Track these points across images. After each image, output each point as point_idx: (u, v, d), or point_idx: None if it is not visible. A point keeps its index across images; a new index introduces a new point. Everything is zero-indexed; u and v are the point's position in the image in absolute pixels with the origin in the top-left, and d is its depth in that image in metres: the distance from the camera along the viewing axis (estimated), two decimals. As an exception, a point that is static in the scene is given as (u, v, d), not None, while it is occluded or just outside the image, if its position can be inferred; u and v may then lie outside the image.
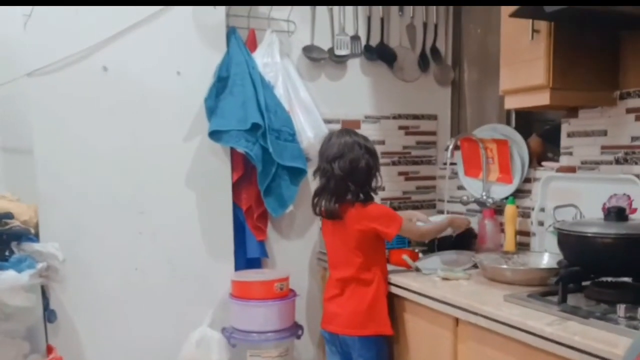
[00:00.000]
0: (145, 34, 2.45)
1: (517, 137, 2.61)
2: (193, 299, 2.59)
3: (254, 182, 2.64)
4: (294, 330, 2.63)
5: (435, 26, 3.13)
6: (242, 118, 2.52)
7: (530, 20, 2.01)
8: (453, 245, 2.59)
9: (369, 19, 2.97)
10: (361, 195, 2.24)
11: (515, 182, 2.58)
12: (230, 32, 2.63)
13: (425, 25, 3.11)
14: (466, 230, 2.68)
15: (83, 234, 2.39)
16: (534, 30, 2.02)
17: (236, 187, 2.67)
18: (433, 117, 3.18)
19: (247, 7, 2.70)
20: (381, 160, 2.84)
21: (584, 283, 1.86)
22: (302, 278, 2.87)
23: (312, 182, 2.47)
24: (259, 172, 2.58)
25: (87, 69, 2.37)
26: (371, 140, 2.36)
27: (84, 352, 2.42)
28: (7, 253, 2.19)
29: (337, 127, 2.84)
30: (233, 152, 2.63)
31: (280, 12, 2.78)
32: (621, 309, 1.60)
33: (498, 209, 2.64)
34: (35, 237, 2.28)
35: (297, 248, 2.87)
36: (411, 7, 3.07)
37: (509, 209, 2.51)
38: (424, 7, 3.08)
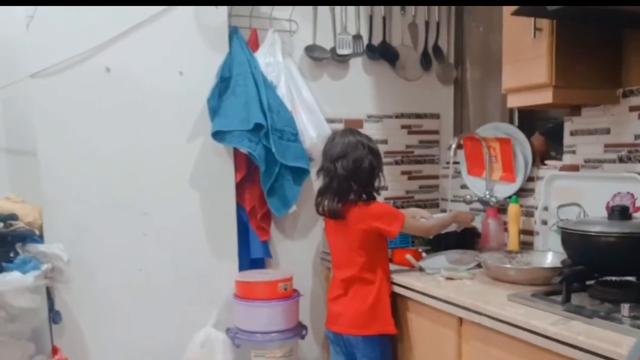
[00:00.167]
0: (147, 35, 2.45)
1: (520, 135, 2.61)
2: (197, 299, 2.59)
3: (257, 183, 2.64)
4: (298, 330, 2.63)
5: (438, 25, 3.12)
6: (245, 118, 2.52)
7: (533, 19, 2.01)
8: (456, 244, 2.59)
9: (370, 18, 2.97)
10: (364, 195, 2.24)
11: (519, 181, 2.58)
12: (233, 32, 2.63)
13: (427, 23, 3.10)
14: (470, 229, 2.68)
15: (87, 235, 2.40)
16: (536, 29, 2.02)
17: (239, 187, 2.68)
18: (436, 116, 3.18)
19: (249, 7, 2.70)
20: (384, 160, 2.83)
21: (587, 282, 1.85)
22: (306, 278, 2.87)
23: (316, 182, 2.47)
24: (262, 172, 2.58)
25: (90, 70, 2.38)
26: (374, 140, 2.36)
27: (89, 353, 2.42)
28: (12, 254, 2.20)
29: (340, 126, 2.84)
30: (236, 152, 2.63)
31: (282, 11, 2.78)
32: (625, 308, 1.60)
33: (501, 208, 2.63)
34: (40, 239, 2.29)
35: (300, 248, 2.87)
36: (413, 5, 3.06)
37: (513, 208, 2.51)
38: (426, 5, 3.08)
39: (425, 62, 3.11)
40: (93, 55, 2.38)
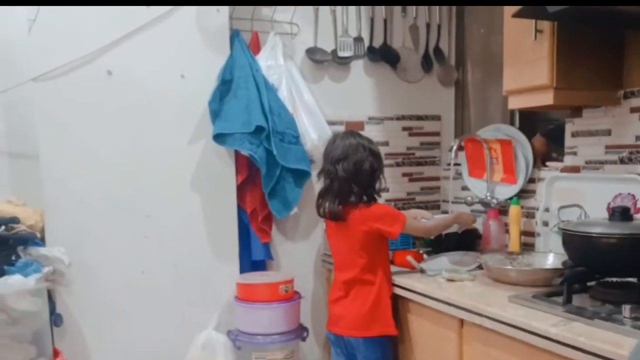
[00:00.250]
0: (149, 38, 2.46)
1: (521, 137, 2.61)
2: (198, 301, 2.60)
3: (258, 185, 2.64)
4: (299, 332, 2.63)
5: (439, 27, 3.13)
6: (246, 121, 2.52)
7: (533, 20, 2.01)
8: (457, 246, 2.59)
9: (371, 20, 2.98)
10: (365, 197, 2.24)
11: (520, 183, 2.57)
12: (234, 35, 2.64)
13: (428, 25, 3.11)
14: (471, 231, 2.68)
15: (89, 238, 2.40)
16: (537, 30, 2.02)
17: (240, 189, 2.68)
18: (437, 118, 3.18)
19: (250, 11, 2.71)
20: (385, 162, 2.84)
21: (589, 283, 1.85)
22: (307, 280, 2.87)
23: (317, 184, 2.48)
24: (263, 175, 2.59)
25: (91, 73, 2.38)
26: (375, 142, 2.36)
27: (91, 356, 2.43)
28: (13, 257, 2.20)
29: (341, 128, 2.84)
30: (237, 154, 2.63)
31: (283, 14, 2.79)
32: (626, 309, 1.60)
33: (502, 210, 2.63)
34: (41, 242, 2.30)
35: (301, 250, 2.87)
36: (414, 8, 3.07)
37: (514, 210, 2.50)
38: (426, 7, 3.09)
39: (426, 64, 3.12)
40: (94, 58, 2.39)
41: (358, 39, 2.94)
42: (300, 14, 2.82)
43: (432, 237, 2.63)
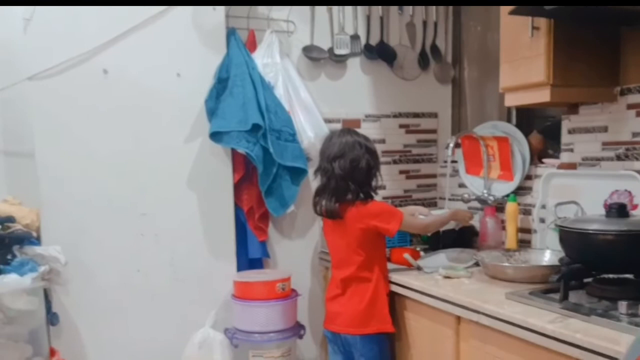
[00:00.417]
0: (144, 37, 2.45)
1: (518, 134, 2.61)
2: (195, 300, 2.59)
3: (255, 183, 2.64)
4: (296, 330, 2.63)
5: (435, 24, 3.13)
6: (243, 119, 2.52)
7: (530, 18, 2.01)
8: (454, 243, 2.59)
9: (368, 17, 2.97)
10: (361, 195, 2.24)
11: (516, 180, 2.58)
12: (230, 33, 2.63)
13: (425, 23, 3.11)
14: (468, 228, 2.69)
15: (85, 237, 2.40)
16: (533, 28, 2.02)
17: (237, 187, 2.67)
18: (433, 115, 3.18)
19: (247, 9, 2.70)
20: (382, 159, 2.84)
21: (585, 280, 1.85)
22: (304, 278, 2.87)
23: (313, 182, 2.47)
24: (260, 173, 2.58)
25: (87, 72, 2.37)
26: (372, 140, 2.36)
27: (87, 355, 2.42)
28: (9, 257, 2.20)
29: (338, 126, 2.84)
30: (234, 153, 2.63)
31: (279, 12, 2.78)
32: (623, 305, 1.60)
33: (499, 207, 2.63)
34: (37, 241, 2.29)
35: (298, 248, 2.87)
36: (411, 5, 3.06)
37: (510, 207, 2.51)
38: (423, 5, 3.08)
39: (423, 61, 3.11)
40: (90, 57, 2.38)
41: (355, 37, 2.93)
42: (296, 12, 2.81)
43: (429, 234, 2.63)
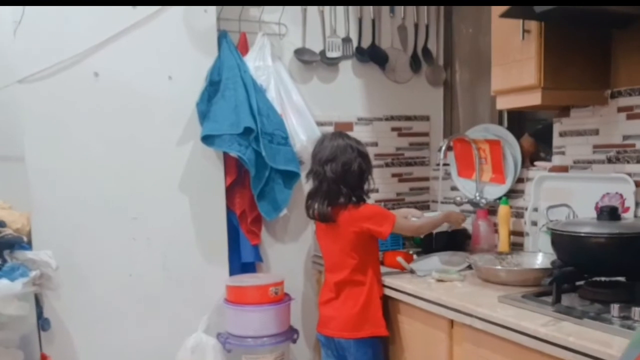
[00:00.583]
0: (135, 39, 2.44)
1: (510, 137, 2.62)
2: (187, 304, 2.58)
3: (247, 186, 2.63)
4: (290, 334, 2.62)
5: (427, 27, 3.13)
6: (235, 122, 2.51)
7: (521, 21, 2.02)
8: (447, 246, 2.59)
9: (360, 20, 2.97)
10: (354, 198, 2.23)
11: (508, 183, 2.58)
12: (222, 36, 2.63)
13: (416, 26, 3.11)
14: (460, 231, 2.69)
15: (76, 241, 2.38)
16: (524, 31, 2.02)
17: (229, 191, 2.67)
18: (425, 118, 3.19)
19: (238, 11, 2.70)
20: (374, 162, 2.84)
21: (577, 283, 1.86)
22: (297, 281, 2.87)
23: (306, 185, 2.47)
24: (253, 176, 2.57)
25: (78, 75, 2.36)
26: (364, 143, 2.36)
27: (79, 360, 2.41)
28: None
29: (330, 129, 2.84)
30: (226, 156, 2.62)
31: (271, 15, 2.78)
32: (615, 308, 1.60)
33: (491, 210, 2.64)
34: (28, 245, 2.27)
35: (291, 252, 2.87)
36: (402, 8, 3.07)
37: (503, 210, 2.51)
38: (415, 8, 3.09)
39: (415, 64, 3.12)
40: (81, 60, 2.36)
41: (346, 40, 2.93)
42: (288, 15, 2.81)
43: (421, 236, 2.63)
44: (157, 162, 2.52)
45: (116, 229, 2.46)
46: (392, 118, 3.10)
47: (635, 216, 2.05)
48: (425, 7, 3.11)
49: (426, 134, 3.20)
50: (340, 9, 2.92)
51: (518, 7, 1.86)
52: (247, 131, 2.52)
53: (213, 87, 2.57)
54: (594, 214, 1.96)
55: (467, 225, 2.69)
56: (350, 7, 2.94)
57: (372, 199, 2.64)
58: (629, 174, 2.08)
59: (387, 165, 3.10)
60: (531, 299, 1.82)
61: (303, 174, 2.59)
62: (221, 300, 2.60)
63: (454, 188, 2.93)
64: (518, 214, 2.57)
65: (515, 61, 2.09)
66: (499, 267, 2.21)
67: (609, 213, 1.81)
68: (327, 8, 2.89)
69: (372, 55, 3.01)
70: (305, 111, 2.77)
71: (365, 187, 2.29)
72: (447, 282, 2.18)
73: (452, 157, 2.87)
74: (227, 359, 2.56)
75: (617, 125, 2.15)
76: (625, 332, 1.49)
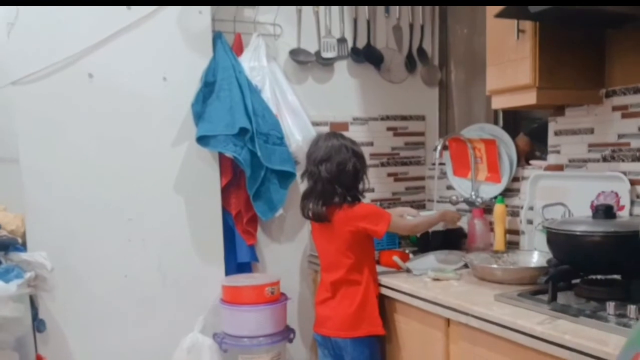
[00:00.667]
0: (130, 40, 2.44)
1: (505, 136, 2.62)
2: (184, 305, 2.58)
3: (242, 187, 2.63)
4: (286, 334, 2.62)
5: (422, 27, 3.14)
6: (230, 123, 2.51)
7: (516, 20, 2.02)
8: (443, 245, 2.60)
9: (355, 20, 2.97)
10: (348, 198, 2.24)
11: (504, 181, 2.59)
12: (216, 37, 2.62)
13: (411, 26, 3.11)
14: (456, 230, 2.69)
15: (71, 242, 2.37)
16: (519, 30, 2.03)
17: (225, 191, 2.66)
18: (421, 118, 3.19)
19: (233, 12, 2.69)
20: (370, 162, 2.85)
21: (573, 281, 1.86)
22: (293, 281, 2.87)
23: (302, 185, 2.47)
24: (248, 177, 2.57)
25: (72, 76, 2.35)
26: (360, 142, 2.36)
27: (74, 361, 2.40)
28: (-6, 263, 2.17)
29: (326, 129, 2.84)
30: (221, 156, 2.62)
31: (265, 15, 2.78)
32: (611, 306, 1.61)
33: (487, 208, 2.65)
34: (23, 247, 2.27)
35: (287, 251, 2.87)
36: (397, 8, 3.07)
37: (498, 208, 2.52)
38: (410, 8, 3.10)
39: (410, 64, 3.12)
40: (75, 61, 2.36)
41: (341, 40, 2.93)
42: (283, 15, 2.81)
43: (418, 235, 2.63)
44: (152, 163, 2.51)
45: (111, 230, 2.45)
46: (387, 118, 3.10)
47: (631, 214, 2.05)
48: (420, 7, 3.12)
49: (422, 134, 3.20)
50: (335, 9, 2.93)
51: (513, 7, 1.87)
52: (243, 131, 2.51)
53: (208, 88, 2.56)
54: (589, 213, 1.97)
55: (463, 224, 2.70)
56: (345, 8, 2.94)
57: (368, 198, 2.64)
58: (624, 173, 2.08)
59: (382, 164, 3.10)
60: (527, 298, 1.82)
61: (299, 174, 2.60)
62: (217, 301, 2.60)
63: (449, 187, 2.94)
64: (514, 213, 2.58)
65: (510, 61, 2.10)
66: (495, 266, 2.21)
67: (605, 211, 1.81)
68: (321, 8, 2.89)
69: (368, 56, 3.01)
70: (300, 111, 2.77)
71: (360, 186, 2.30)
72: (443, 281, 2.18)
73: (448, 156, 2.88)
74: (224, 359, 2.56)
75: (611, 124, 2.15)
76: (621, 330, 1.49)
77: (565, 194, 2.28)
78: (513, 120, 2.86)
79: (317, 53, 2.89)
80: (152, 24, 2.47)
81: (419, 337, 2.15)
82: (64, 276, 2.34)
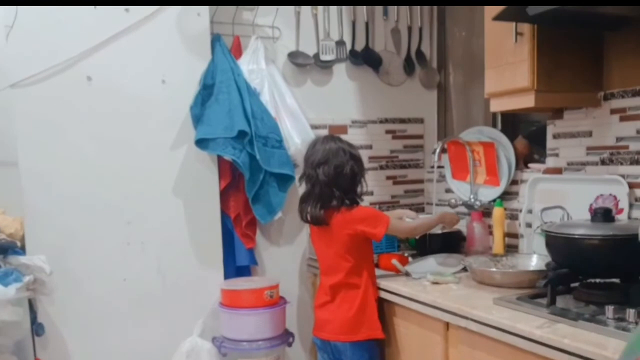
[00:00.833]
0: (129, 43, 2.43)
1: (504, 139, 2.62)
2: (183, 308, 2.57)
3: (241, 190, 2.63)
4: (285, 337, 2.62)
5: (420, 30, 3.14)
6: (229, 125, 2.51)
7: (514, 23, 2.02)
8: (442, 248, 2.60)
9: (353, 23, 2.98)
10: (346, 201, 2.23)
11: (503, 185, 2.59)
12: (215, 40, 2.62)
13: (410, 29, 3.12)
14: (455, 233, 2.69)
15: (70, 246, 2.37)
16: (517, 33, 2.03)
17: (224, 194, 2.66)
18: (420, 121, 3.19)
19: (231, 15, 2.69)
20: (369, 165, 2.86)
21: (572, 285, 1.86)
22: (293, 285, 2.86)
23: (300, 189, 2.47)
24: (247, 180, 2.57)
25: (71, 79, 2.35)
26: (358, 145, 2.36)
27: (73, 365, 2.40)
28: (-7, 267, 2.17)
29: (324, 132, 2.84)
30: (220, 159, 2.61)
31: (264, 18, 2.78)
32: (610, 310, 1.61)
33: (486, 212, 2.64)
34: (22, 250, 2.26)
35: (286, 255, 2.86)
36: (396, 11, 3.07)
37: (497, 212, 2.51)
38: (408, 11, 3.10)
39: (409, 67, 3.12)
40: (74, 64, 2.35)
41: (340, 43, 2.94)
42: (281, 18, 2.81)
43: (417, 237, 2.63)
44: (151, 166, 2.51)
45: (110, 233, 2.45)
46: (386, 121, 3.10)
47: (629, 218, 2.05)
48: (419, 10, 3.12)
49: (420, 137, 3.20)
50: (333, 12, 2.93)
51: (511, 9, 1.87)
52: (241, 134, 2.51)
53: (207, 91, 2.56)
54: (588, 216, 1.97)
55: (462, 227, 2.70)
56: (344, 10, 2.95)
57: (366, 201, 2.64)
58: (623, 176, 2.08)
59: (381, 167, 3.10)
60: (526, 301, 1.82)
61: (297, 177, 2.60)
62: (216, 304, 2.59)
63: (448, 190, 2.94)
64: (512, 216, 2.58)
65: (508, 64, 2.10)
66: (494, 269, 2.21)
67: (603, 215, 1.81)
68: (320, 11, 2.90)
69: (366, 58, 3.01)
70: (299, 114, 2.77)
71: (358, 189, 2.30)
72: (442, 285, 2.18)
73: (447, 159, 2.88)
74: (223, 363, 2.56)
75: (610, 127, 2.16)
76: (621, 334, 1.49)
77: (564, 197, 2.28)
78: (512, 123, 2.86)
79: (316, 56, 2.89)
80: (151, 26, 2.47)
81: (418, 341, 2.14)
82: (63, 280, 2.33)
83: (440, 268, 2.40)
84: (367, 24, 3.00)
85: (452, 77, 3.22)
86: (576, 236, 1.79)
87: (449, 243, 2.66)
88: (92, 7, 2.35)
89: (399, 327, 2.25)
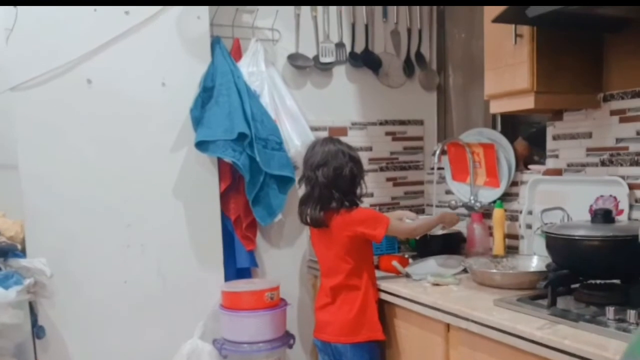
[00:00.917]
0: (128, 46, 2.44)
1: (503, 140, 2.63)
2: (183, 310, 2.57)
3: (241, 192, 2.63)
4: (286, 339, 2.62)
5: (420, 32, 3.14)
6: (229, 128, 2.51)
7: (513, 25, 2.02)
8: (442, 249, 2.60)
9: (353, 25, 2.98)
10: (346, 203, 2.23)
11: (503, 186, 2.59)
12: (215, 42, 2.63)
13: (409, 31, 3.12)
14: (455, 234, 2.69)
15: (70, 248, 2.37)
16: (517, 35, 2.03)
17: (224, 197, 2.66)
18: (419, 123, 3.19)
19: (231, 17, 2.70)
20: (369, 167, 2.86)
21: (573, 286, 1.86)
22: (293, 287, 2.86)
23: (300, 191, 2.47)
24: (247, 182, 2.57)
25: (71, 82, 2.35)
26: (358, 147, 2.37)
27: (74, 368, 2.39)
28: (-7, 270, 2.17)
29: (324, 134, 2.85)
30: (220, 162, 2.62)
31: (264, 20, 2.78)
32: (610, 311, 1.61)
33: (486, 213, 2.65)
34: (22, 253, 2.26)
35: (287, 257, 2.86)
36: (395, 13, 3.08)
37: (497, 213, 2.52)
38: (408, 13, 3.10)
39: (408, 69, 3.13)
40: (74, 67, 2.36)
41: (340, 45, 2.94)
42: (281, 20, 2.81)
43: (417, 237, 2.63)
44: (151, 168, 2.51)
45: (110, 235, 2.45)
46: (386, 122, 3.11)
47: (629, 219, 2.06)
48: (418, 12, 3.13)
49: (420, 138, 3.21)
50: (333, 14, 2.93)
51: (510, 12, 1.87)
52: (241, 137, 2.52)
53: (207, 93, 2.56)
54: (588, 217, 1.97)
55: (462, 228, 2.70)
56: (343, 13, 2.95)
57: (366, 203, 2.64)
58: (623, 177, 2.09)
59: (381, 169, 3.10)
60: (527, 302, 1.82)
61: (297, 179, 2.60)
62: (217, 306, 2.59)
63: (448, 192, 2.94)
64: (513, 217, 2.58)
65: (507, 65, 2.10)
66: (494, 271, 2.21)
67: (603, 216, 1.81)
68: (320, 13, 2.90)
69: (366, 60, 3.01)
70: (299, 116, 2.77)
71: (358, 191, 2.30)
72: (443, 286, 2.18)
73: (447, 161, 2.88)
74: (223, 365, 2.56)
75: (610, 128, 2.16)
76: (621, 335, 1.49)
77: (564, 198, 2.29)
78: (511, 125, 2.86)
79: (316, 58, 2.89)
80: (151, 29, 2.47)
81: (419, 342, 2.14)
82: (63, 282, 2.33)
83: (440, 269, 2.40)
84: (366, 26, 3.01)
85: (452, 79, 3.23)
86: (576, 237, 1.79)
87: (450, 244, 2.66)
88: (92, 9, 2.36)
89: (400, 329, 2.25)
